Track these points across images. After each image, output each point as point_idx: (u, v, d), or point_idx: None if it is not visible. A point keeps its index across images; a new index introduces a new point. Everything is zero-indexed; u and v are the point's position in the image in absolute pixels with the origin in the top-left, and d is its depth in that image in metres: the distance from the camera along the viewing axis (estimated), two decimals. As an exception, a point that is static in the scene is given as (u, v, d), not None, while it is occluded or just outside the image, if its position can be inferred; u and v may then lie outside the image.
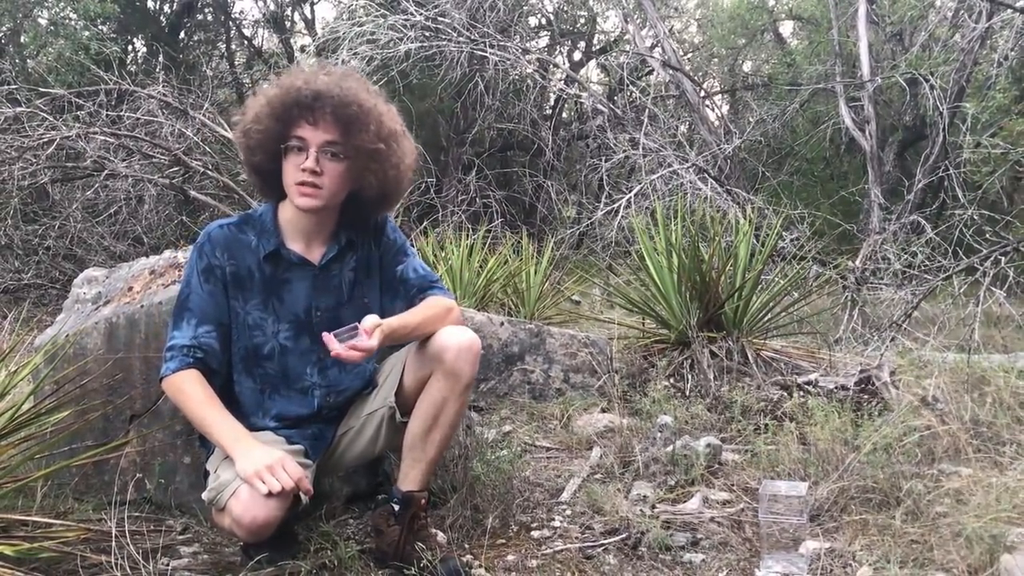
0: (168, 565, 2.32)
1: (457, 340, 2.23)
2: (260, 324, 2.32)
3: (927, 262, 5.88)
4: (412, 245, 2.53)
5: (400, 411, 2.33)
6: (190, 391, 2.20)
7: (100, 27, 9.33)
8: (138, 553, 2.22)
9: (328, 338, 2.08)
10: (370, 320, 2.15)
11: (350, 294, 2.38)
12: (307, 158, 2.20)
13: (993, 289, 4.69)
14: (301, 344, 2.33)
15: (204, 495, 2.19)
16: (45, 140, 6.49)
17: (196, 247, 2.33)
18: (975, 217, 5.97)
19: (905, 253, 6.21)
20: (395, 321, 2.21)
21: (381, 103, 2.29)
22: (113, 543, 2.21)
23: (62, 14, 9.41)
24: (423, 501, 2.32)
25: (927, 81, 7.73)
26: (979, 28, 7.67)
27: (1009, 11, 7.08)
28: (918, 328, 4.93)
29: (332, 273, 2.36)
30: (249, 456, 2.06)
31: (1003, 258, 4.95)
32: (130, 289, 2.91)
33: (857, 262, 6.48)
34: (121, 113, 7.08)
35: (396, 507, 2.32)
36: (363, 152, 2.22)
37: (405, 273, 2.41)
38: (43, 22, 9.52)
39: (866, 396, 3.58)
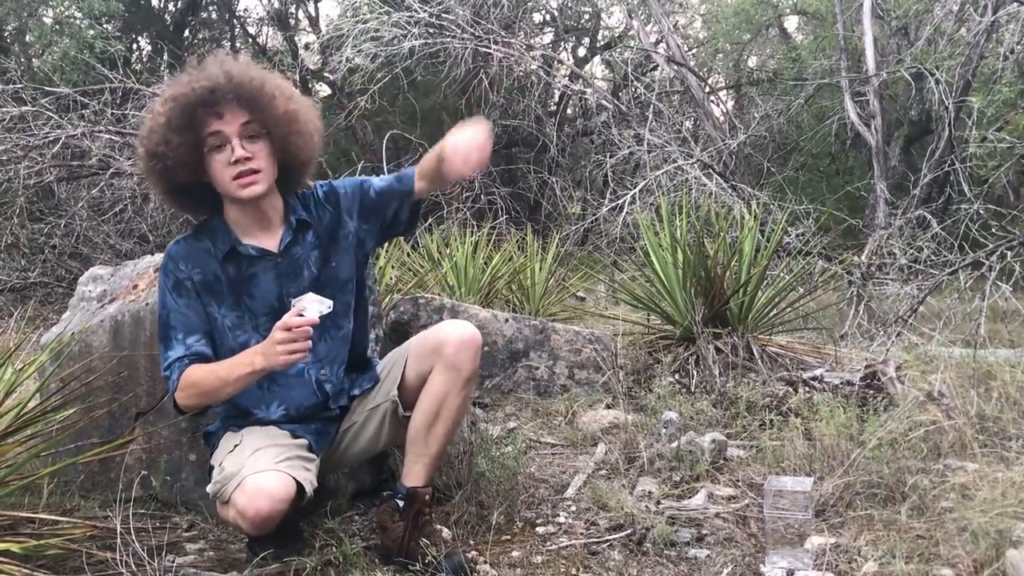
0: (174, 562, 2.33)
1: (458, 334, 2.24)
2: (238, 324, 2.32)
3: (933, 257, 5.86)
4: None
5: (403, 406, 2.33)
6: (198, 377, 2.19)
7: (105, 26, 9.36)
8: (144, 550, 2.23)
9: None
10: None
11: (320, 269, 2.37)
12: (232, 149, 2.18)
13: (999, 284, 4.67)
14: None
15: (208, 488, 2.20)
16: (50, 139, 6.50)
17: (161, 270, 2.33)
18: (981, 211, 5.95)
19: (911, 248, 6.19)
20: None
21: (267, 71, 2.29)
22: (119, 540, 2.22)
23: (67, 13, 9.44)
24: (427, 496, 2.32)
25: (933, 75, 7.70)
26: (985, 22, 7.63)
27: (1015, 4, 7.05)
28: (924, 323, 4.92)
29: (295, 257, 2.35)
30: (263, 354, 2.07)
31: (1009, 252, 4.93)
32: (135, 287, 2.92)
33: (863, 257, 6.47)
34: (126, 111, 7.08)
35: (400, 503, 2.32)
36: (281, 120, 2.22)
37: (377, 184, 2.42)
38: (48, 21, 9.55)
39: (871, 391, 3.57)
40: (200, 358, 2.25)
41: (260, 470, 2.11)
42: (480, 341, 2.28)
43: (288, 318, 2.05)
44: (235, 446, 2.24)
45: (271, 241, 2.34)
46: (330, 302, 2.08)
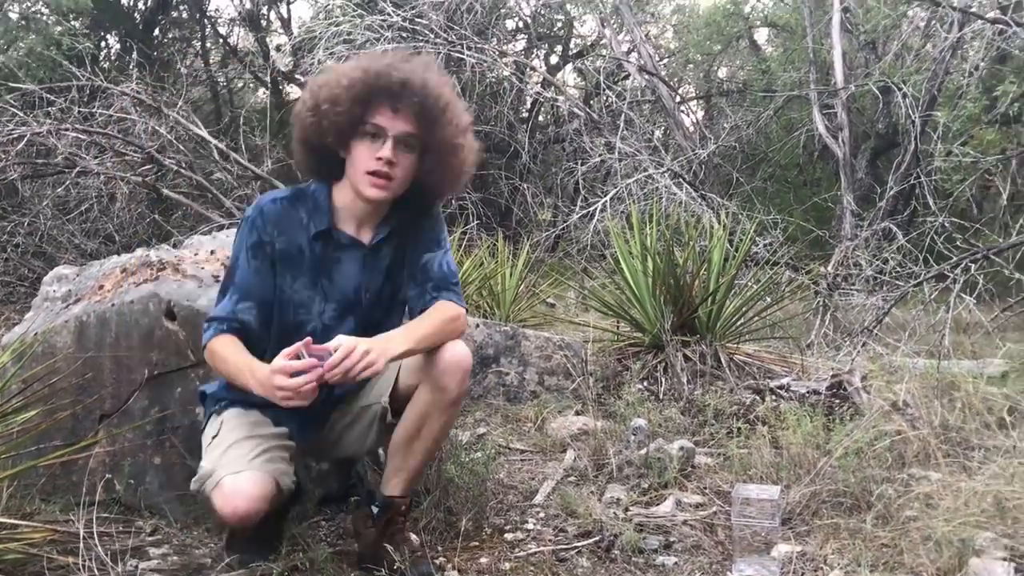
0: (137, 567, 2.30)
1: (448, 355, 2.18)
2: (307, 303, 2.28)
3: (898, 268, 5.93)
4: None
5: (393, 411, 2.30)
6: (219, 353, 2.18)
7: (73, 23, 9.23)
8: (106, 554, 2.20)
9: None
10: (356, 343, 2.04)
11: (389, 272, 2.34)
12: (384, 147, 2.16)
13: (963, 296, 4.74)
14: (345, 325, 2.28)
15: (191, 486, 2.17)
16: (15, 136, 6.39)
17: (247, 221, 2.28)
18: (946, 224, 6.03)
19: (876, 259, 6.27)
20: (400, 346, 2.11)
21: (456, 97, 2.26)
22: (81, 544, 2.18)
23: (33, 8, 9.30)
24: (403, 507, 2.31)
25: (900, 89, 7.80)
26: (951, 38, 7.76)
27: (980, 22, 7.17)
28: (889, 334, 4.98)
29: (381, 255, 2.32)
30: (260, 383, 2.04)
31: (973, 265, 5.00)
32: (101, 287, 2.88)
33: (829, 268, 6.54)
34: (93, 110, 6.98)
35: (375, 510, 2.31)
36: (445, 146, 2.21)
37: (430, 264, 2.33)
38: (14, 16, 9.39)
39: (838, 401, 3.61)
40: (240, 327, 2.21)
41: (237, 470, 2.09)
42: (469, 364, 2.22)
43: (294, 377, 1.97)
44: (213, 437, 2.23)
45: (363, 234, 2.31)
46: None
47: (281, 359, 1.99)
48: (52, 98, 6.85)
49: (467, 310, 2.46)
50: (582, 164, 8.16)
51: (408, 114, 2.17)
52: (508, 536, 2.59)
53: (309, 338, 2.02)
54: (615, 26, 10.28)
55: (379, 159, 2.16)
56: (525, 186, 9.54)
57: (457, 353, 2.19)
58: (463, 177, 2.32)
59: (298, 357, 1.99)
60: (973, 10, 7.29)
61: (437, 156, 2.23)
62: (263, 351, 2.22)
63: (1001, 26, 6.72)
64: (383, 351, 2.05)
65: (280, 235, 2.26)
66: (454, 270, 2.37)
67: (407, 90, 2.15)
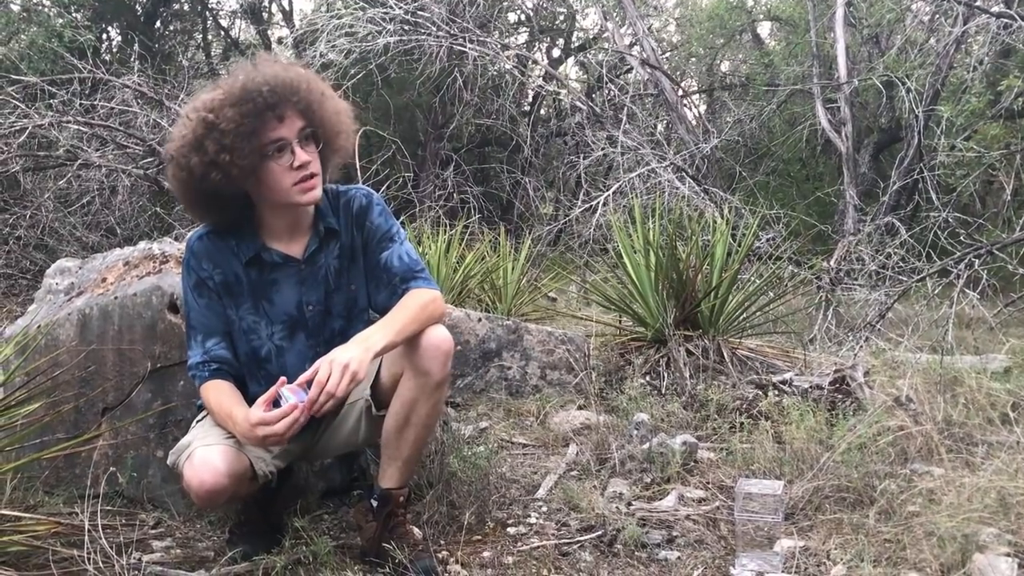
0: (140, 559, 2.30)
1: (427, 339, 2.16)
2: (254, 328, 2.29)
3: (901, 263, 5.93)
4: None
5: (377, 405, 2.30)
6: (209, 399, 2.21)
7: (74, 14, 9.21)
8: (110, 547, 2.20)
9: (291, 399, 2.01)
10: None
11: (336, 282, 2.32)
12: (296, 152, 2.13)
13: (966, 291, 4.74)
14: (297, 343, 2.30)
15: (168, 459, 2.22)
16: (17, 128, 6.39)
17: (183, 264, 2.30)
18: (949, 220, 6.03)
19: (879, 254, 6.26)
20: (381, 340, 2.09)
21: (305, 71, 2.25)
22: (85, 537, 2.19)
23: (35, 0, 9.29)
24: (401, 498, 2.30)
25: (903, 84, 7.78)
26: (955, 32, 7.73)
27: (984, 16, 7.15)
28: (892, 329, 4.98)
29: (318, 265, 2.30)
30: (240, 433, 2.08)
31: (976, 261, 5.01)
32: (104, 280, 2.88)
33: (832, 262, 6.53)
34: (95, 102, 6.98)
35: (374, 503, 2.31)
36: (332, 122, 2.20)
37: (389, 261, 2.30)
38: (15, 8, 9.38)
39: (840, 396, 3.60)
40: (220, 364, 2.25)
41: (209, 444, 2.11)
42: (451, 347, 2.20)
43: (276, 420, 1.98)
44: (198, 421, 2.28)
45: (297, 246, 2.30)
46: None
47: (259, 409, 2.00)
48: (54, 90, 6.86)
49: (446, 296, 2.47)
50: (584, 158, 8.16)
51: (292, 113, 2.13)
52: (511, 530, 2.59)
53: (284, 378, 2.02)
54: (617, 19, 10.26)
55: (299, 167, 2.13)
56: (527, 180, 9.55)
57: (437, 336, 2.18)
58: (353, 135, 2.33)
59: (276, 397, 2.00)
60: (978, 4, 7.26)
61: (334, 130, 2.23)
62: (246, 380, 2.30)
63: (1006, 20, 6.70)
64: (365, 352, 2.03)
65: (216, 268, 2.27)
66: (415, 258, 2.33)
67: (278, 94, 2.10)
